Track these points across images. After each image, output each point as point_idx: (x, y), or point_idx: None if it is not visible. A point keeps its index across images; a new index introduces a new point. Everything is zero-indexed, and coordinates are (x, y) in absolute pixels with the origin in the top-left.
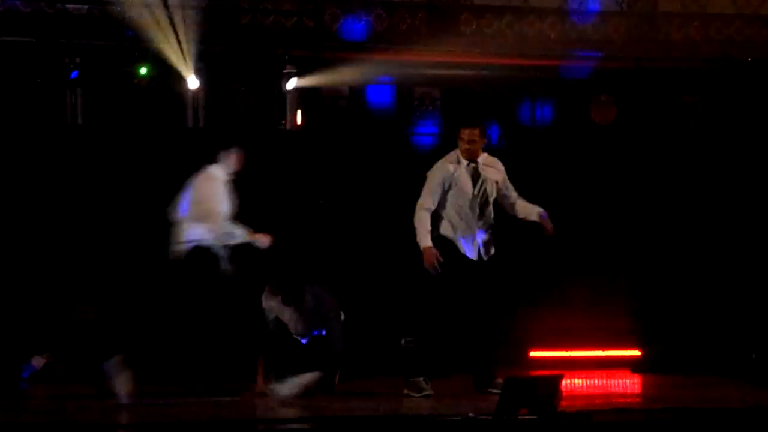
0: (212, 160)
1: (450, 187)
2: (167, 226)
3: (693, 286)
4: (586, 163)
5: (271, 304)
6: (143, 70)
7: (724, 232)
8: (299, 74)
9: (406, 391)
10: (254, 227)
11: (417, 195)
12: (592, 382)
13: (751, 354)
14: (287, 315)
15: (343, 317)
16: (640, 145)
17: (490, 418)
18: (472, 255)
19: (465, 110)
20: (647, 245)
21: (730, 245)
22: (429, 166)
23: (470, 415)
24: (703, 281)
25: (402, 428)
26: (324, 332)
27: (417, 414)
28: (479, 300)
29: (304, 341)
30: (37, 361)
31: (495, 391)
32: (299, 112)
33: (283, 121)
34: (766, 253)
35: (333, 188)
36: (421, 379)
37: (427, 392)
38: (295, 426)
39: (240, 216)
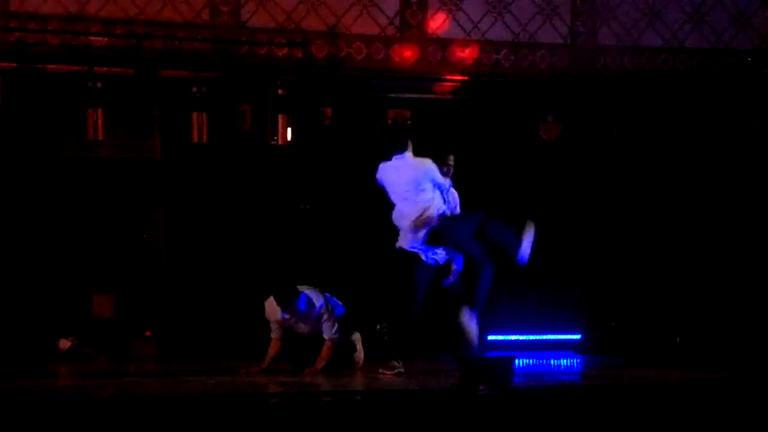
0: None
1: None
2: None
3: (629, 277)
4: (536, 173)
5: (273, 317)
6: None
7: (656, 230)
8: (289, 96)
9: (381, 371)
10: (247, 232)
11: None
12: (540, 362)
13: (676, 338)
14: (290, 321)
15: (343, 310)
16: (582, 158)
17: (454, 392)
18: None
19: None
20: (588, 248)
21: (660, 242)
22: None
23: (435, 389)
24: (637, 274)
25: (379, 401)
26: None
27: (390, 389)
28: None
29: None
30: (63, 344)
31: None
32: (289, 129)
33: (275, 137)
34: (694, 245)
35: (317, 195)
36: (394, 360)
37: (398, 370)
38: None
39: (236, 222)
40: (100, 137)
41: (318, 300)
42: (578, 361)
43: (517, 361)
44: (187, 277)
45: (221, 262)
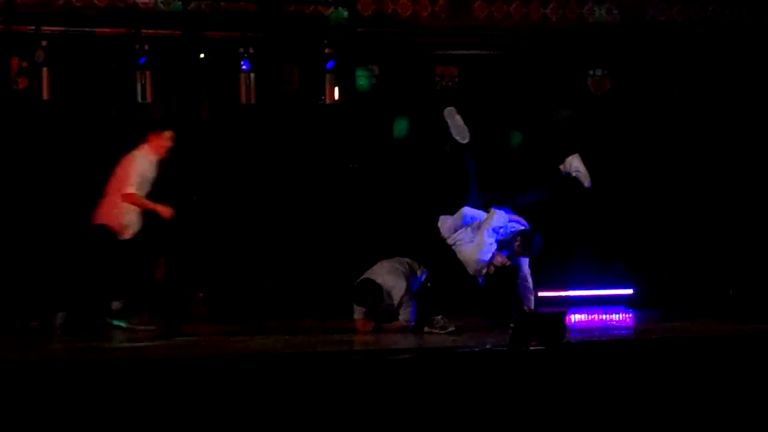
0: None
1: None
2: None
3: (681, 230)
4: (585, 128)
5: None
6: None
7: (707, 183)
8: (336, 56)
9: (426, 329)
10: (297, 193)
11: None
12: (592, 317)
13: (728, 291)
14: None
15: (424, 277)
16: (632, 112)
17: (506, 349)
18: None
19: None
20: (639, 204)
21: (712, 195)
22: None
23: (488, 346)
24: (689, 226)
25: (429, 360)
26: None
27: (441, 347)
28: None
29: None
30: (115, 306)
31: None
32: (336, 89)
33: (323, 97)
34: (747, 198)
35: (367, 155)
36: (440, 317)
37: (450, 329)
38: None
39: (284, 183)
40: (149, 99)
41: (398, 292)
42: (630, 315)
43: (569, 316)
44: (237, 239)
45: (271, 223)
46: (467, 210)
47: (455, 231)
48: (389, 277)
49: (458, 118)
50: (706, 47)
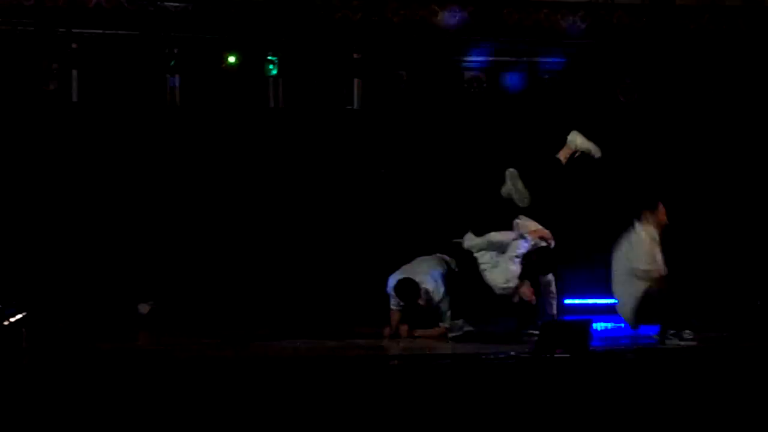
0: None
1: None
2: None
3: (706, 238)
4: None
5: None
6: (231, 59)
7: (733, 190)
8: (364, 60)
9: (448, 334)
10: (325, 196)
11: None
12: (617, 325)
13: (756, 301)
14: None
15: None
16: (661, 119)
17: (529, 356)
18: None
19: None
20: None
21: (737, 203)
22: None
23: (512, 353)
24: (714, 235)
25: (452, 366)
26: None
27: (464, 353)
28: None
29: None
30: (143, 308)
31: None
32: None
33: (351, 101)
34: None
35: (395, 159)
36: (461, 321)
37: (467, 328)
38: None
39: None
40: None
41: (438, 294)
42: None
43: (594, 324)
44: (265, 242)
45: (301, 227)
46: (493, 235)
47: (479, 251)
48: (430, 280)
49: (520, 183)
50: (735, 55)
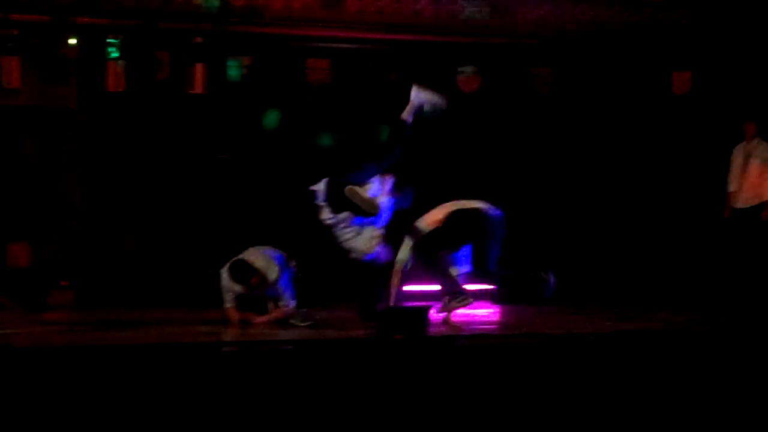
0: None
1: None
2: None
3: (543, 228)
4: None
5: (230, 288)
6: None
7: (578, 182)
8: (206, 45)
9: (291, 321)
10: (164, 181)
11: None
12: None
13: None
14: (246, 290)
15: (294, 266)
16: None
17: (371, 341)
18: None
19: None
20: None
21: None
22: None
23: (352, 338)
24: (552, 224)
25: (296, 350)
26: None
27: (309, 339)
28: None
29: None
30: None
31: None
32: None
33: (192, 86)
34: (611, 196)
35: (235, 145)
36: (305, 310)
37: (310, 322)
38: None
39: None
40: (16, 84)
41: (272, 275)
42: (494, 311)
43: (432, 311)
44: (104, 226)
45: (138, 211)
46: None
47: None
48: (262, 259)
49: (359, 195)
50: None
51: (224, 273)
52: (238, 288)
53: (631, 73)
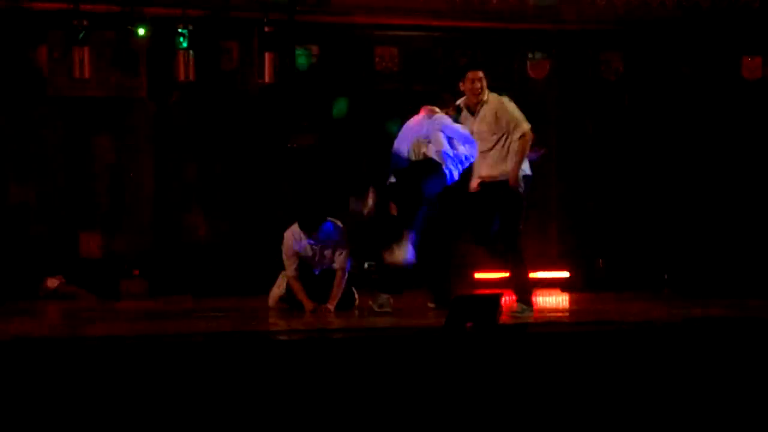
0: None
1: None
2: None
3: (617, 212)
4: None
5: (295, 247)
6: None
7: (644, 168)
8: (275, 35)
9: (370, 303)
10: (234, 170)
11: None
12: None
13: (663, 274)
14: (314, 250)
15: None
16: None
17: (441, 330)
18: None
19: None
20: (573, 187)
21: (647, 180)
22: None
23: (423, 327)
24: (621, 212)
25: (367, 338)
26: (333, 266)
27: (379, 327)
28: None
29: (316, 272)
30: (51, 283)
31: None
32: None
33: (262, 76)
34: (680, 183)
35: (304, 133)
36: (386, 296)
37: (385, 310)
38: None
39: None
40: (86, 75)
41: (339, 225)
42: (566, 298)
43: (503, 298)
44: (175, 215)
45: (209, 200)
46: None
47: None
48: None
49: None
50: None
51: (289, 232)
52: (304, 243)
53: (701, 59)
